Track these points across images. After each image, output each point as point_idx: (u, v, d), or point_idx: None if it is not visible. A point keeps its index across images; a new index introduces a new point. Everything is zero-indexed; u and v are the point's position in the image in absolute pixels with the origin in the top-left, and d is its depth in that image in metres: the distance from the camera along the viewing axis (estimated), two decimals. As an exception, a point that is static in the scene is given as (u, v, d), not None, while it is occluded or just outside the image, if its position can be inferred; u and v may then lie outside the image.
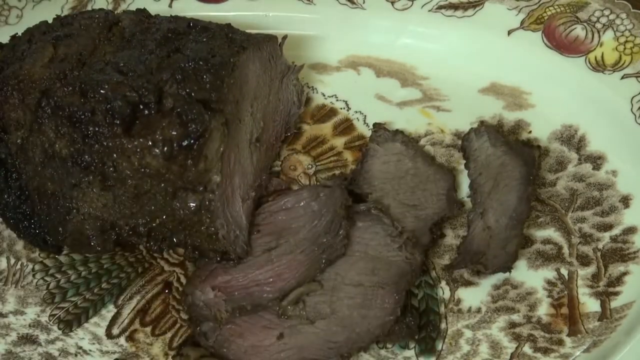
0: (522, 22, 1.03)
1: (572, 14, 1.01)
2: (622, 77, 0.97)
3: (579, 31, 1.00)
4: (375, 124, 1.00)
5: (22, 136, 0.81)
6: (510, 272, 0.88)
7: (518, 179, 0.92)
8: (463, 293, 0.89)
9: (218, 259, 0.83)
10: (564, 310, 0.87)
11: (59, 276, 0.92)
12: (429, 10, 1.05)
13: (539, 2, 1.02)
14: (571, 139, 0.98)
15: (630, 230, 0.91)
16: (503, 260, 0.88)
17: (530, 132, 1.00)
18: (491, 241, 0.89)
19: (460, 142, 0.99)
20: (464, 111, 1.02)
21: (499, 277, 0.89)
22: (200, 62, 0.79)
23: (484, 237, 0.89)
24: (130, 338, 0.87)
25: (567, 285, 0.88)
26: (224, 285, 0.84)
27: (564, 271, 0.89)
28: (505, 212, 0.90)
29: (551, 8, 1.02)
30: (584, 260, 0.90)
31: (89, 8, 1.07)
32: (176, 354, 0.85)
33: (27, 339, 0.87)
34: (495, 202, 0.91)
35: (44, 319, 0.88)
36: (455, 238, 0.93)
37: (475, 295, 0.89)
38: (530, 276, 0.89)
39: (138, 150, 0.76)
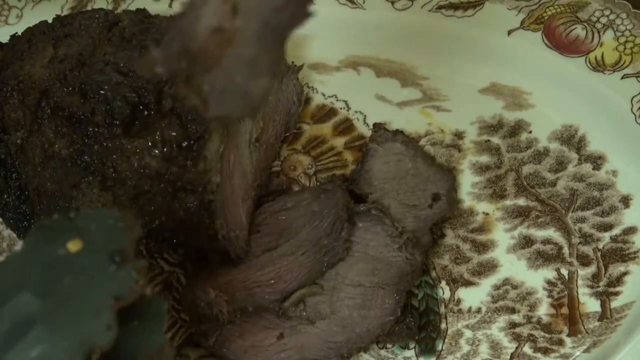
0: (522, 22, 1.02)
1: (572, 14, 1.01)
2: (622, 77, 0.97)
3: (579, 31, 1.00)
4: (375, 124, 1.00)
5: (21, 136, 0.81)
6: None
7: None
8: (463, 293, 0.89)
9: (218, 259, 0.83)
10: (564, 310, 0.87)
11: (59, 276, 0.91)
12: (429, 10, 1.05)
13: (539, 2, 1.02)
14: (571, 139, 0.98)
15: (631, 230, 0.91)
16: None
17: (530, 132, 1.00)
18: None
19: (460, 142, 0.99)
20: (464, 111, 1.02)
21: (499, 277, 0.89)
22: (200, 63, 0.79)
23: None
24: (130, 338, 0.87)
25: (567, 285, 0.88)
26: (225, 286, 0.84)
27: (564, 271, 0.89)
28: None
29: (551, 8, 1.02)
30: (584, 260, 0.90)
31: (89, 8, 1.07)
32: (176, 354, 0.85)
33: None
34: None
35: (44, 319, 0.88)
36: (455, 238, 0.93)
37: (475, 295, 0.89)
38: (530, 276, 0.89)
39: (137, 150, 0.76)
